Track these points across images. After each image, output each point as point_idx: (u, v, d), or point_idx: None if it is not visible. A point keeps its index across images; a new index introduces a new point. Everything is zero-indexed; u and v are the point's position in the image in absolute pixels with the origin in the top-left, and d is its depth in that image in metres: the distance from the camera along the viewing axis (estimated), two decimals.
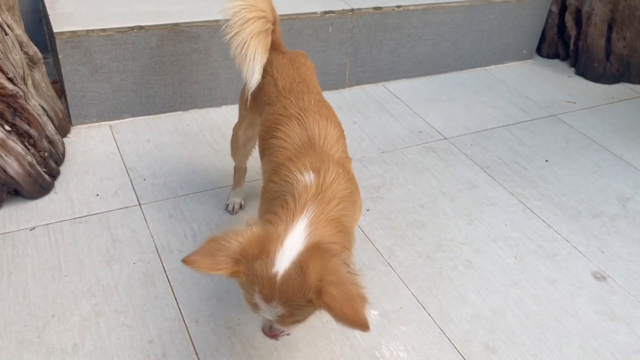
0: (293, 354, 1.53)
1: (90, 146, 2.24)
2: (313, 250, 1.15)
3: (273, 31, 1.69)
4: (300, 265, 1.12)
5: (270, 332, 1.26)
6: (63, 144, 2.15)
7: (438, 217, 2.08)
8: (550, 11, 3.30)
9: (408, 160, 2.37)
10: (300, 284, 1.11)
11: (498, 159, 2.45)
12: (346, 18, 2.64)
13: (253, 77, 1.59)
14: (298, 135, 1.42)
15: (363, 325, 1.06)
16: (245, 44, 1.58)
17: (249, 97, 1.64)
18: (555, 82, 3.20)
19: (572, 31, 3.30)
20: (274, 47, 1.70)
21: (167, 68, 2.38)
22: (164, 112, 2.48)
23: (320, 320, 1.62)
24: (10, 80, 1.81)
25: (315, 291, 1.09)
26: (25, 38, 2.00)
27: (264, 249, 1.14)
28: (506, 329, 1.67)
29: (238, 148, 1.88)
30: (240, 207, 1.99)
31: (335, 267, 1.12)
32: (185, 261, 1.13)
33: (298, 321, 1.19)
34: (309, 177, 1.31)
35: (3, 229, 1.81)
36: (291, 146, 1.41)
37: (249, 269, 1.13)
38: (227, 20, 1.58)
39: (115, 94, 2.35)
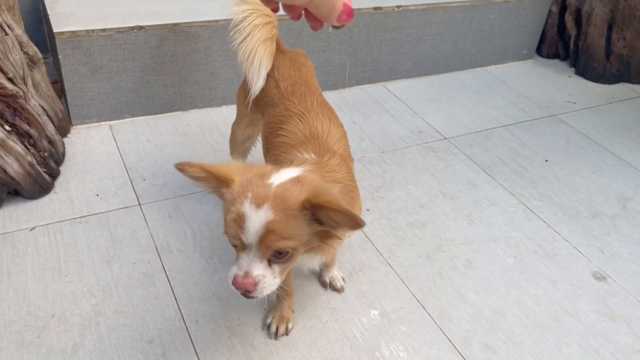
0: (293, 354, 1.53)
1: (90, 146, 2.24)
2: (311, 175, 1.17)
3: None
4: (297, 179, 1.12)
5: (244, 279, 1.11)
6: (63, 144, 2.15)
7: (438, 217, 2.07)
8: (550, 11, 3.30)
9: (408, 160, 2.37)
10: (296, 191, 1.09)
11: (498, 159, 2.45)
12: None
13: (257, 83, 1.59)
14: (301, 130, 1.43)
15: (358, 221, 1.03)
16: (252, 51, 1.58)
17: (251, 101, 1.64)
18: (555, 82, 3.20)
19: (572, 31, 3.30)
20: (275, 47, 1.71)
21: (167, 68, 2.38)
22: (164, 112, 2.48)
23: (320, 320, 1.62)
24: (10, 80, 1.81)
25: (311, 194, 1.09)
26: (25, 38, 1.99)
27: (260, 172, 1.15)
28: (506, 329, 1.67)
29: (237, 146, 1.88)
30: None
31: (332, 190, 1.12)
32: (177, 164, 1.14)
33: (285, 239, 1.09)
34: (309, 156, 1.33)
35: (3, 229, 1.81)
36: (294, 141, 1.42)
37: (243, 180, 1.12)
38: (235, 24, 1.58)
39: (115, 94, 2.35)
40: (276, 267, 1.14)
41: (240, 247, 1.12)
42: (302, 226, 1.10)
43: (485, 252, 1.94)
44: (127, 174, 2.11)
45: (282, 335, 1.56)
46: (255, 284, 1.11)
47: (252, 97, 1.63)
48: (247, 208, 1.08)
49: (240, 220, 1.08)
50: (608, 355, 1.62)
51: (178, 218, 1.93)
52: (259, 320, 1.60)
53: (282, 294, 1.55)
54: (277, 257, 1.12)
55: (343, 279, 1.73)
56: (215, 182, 1.15)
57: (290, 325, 1.57)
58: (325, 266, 1.69)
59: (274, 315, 1.57)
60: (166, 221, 1.91)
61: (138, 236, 1.84)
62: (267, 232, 1.08)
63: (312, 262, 1.40)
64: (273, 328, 1.56)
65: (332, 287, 1.71)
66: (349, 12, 0.75)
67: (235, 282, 1.11)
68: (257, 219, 1.07)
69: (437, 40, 2.98)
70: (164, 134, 2.36)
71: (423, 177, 2.27)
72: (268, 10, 1.61)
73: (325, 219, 1.09)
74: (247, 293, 1.12)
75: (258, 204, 1.07)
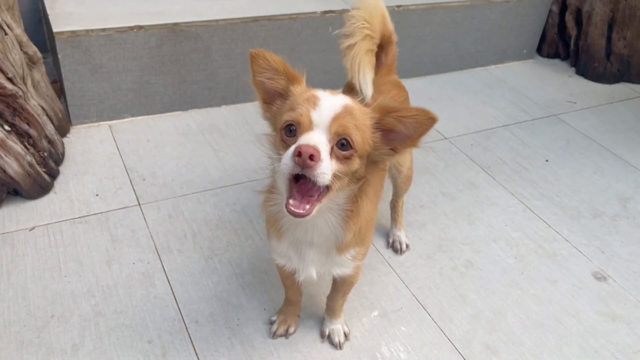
0: (293, 354, 1.53)
1: (89, 146, 2.23)
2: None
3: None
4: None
5: (308, 146, 1.02)
6: (62, 144, 2.14)
7: (438, 217, 2.07)
8: (550, 11, 3.30)
9: None
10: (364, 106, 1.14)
11: (498, 159, 2.44)
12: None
13: (367, 90, 1.56)
14: None
15: (431, 114, 1.08)
16: (359, 60, 1.61)
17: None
18: (556, 82, 3.19)
19: (572, 31, 3.30)
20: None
21: (166, 68, 2.37)
22: (164, 112, 2.48)
23: (320, 320, 1.62)
24: (10, 80, 1.80)
25: (380, 104, 1.14)
26: (24, 38, 1.99)
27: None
28: (507, 330, 1.67)
29: None
30: None
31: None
32: (252, 51, 1.15)
33: (356, 126, 1.07)
34: None
35: (2, 229, 1.81)
36: None
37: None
38: (346, 32, 1.62)
39: (115, 94, 2.34)
40: (333, 163, 1.07)
41: (305, 126, 1.06)
42: (370, 128, 1.11)
43: (485, 252, 1.94)
44: (127, 174, 2.10)
45: (280, 336, 1.56)
46: (320, 155, 1.02)
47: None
48: (323, 93, 1.11)
49: (314, 100, 1.08)
50: (608, 356, 1.62)
51: (178, 218, 1.92)
52: (259, 321, 1.60)
53: (290, 298, 1.56)
54: (340, 147, 1.07)
55: (346, 335, 1.58)
56: (286, 77, 1.15)
57: (291, 330, 1.57)
58: (331, 312, 1.56)
59: (279, 316, 1.58)
60: (166, 221, 1.91)
61: (138, 236, 1.84)
62: (343, 113, 1.07)
63: (340, 267, 1.33)
64: (273, 327, 1.56)
65: (330, 341, 1.57)
66: None
67: (300, 148, 1.01)
68: (333, 100, 1.09)
69: (437, 40, 2.97)
70: (164, 134, 2.35)
71: (423, 177, 2.27)
72: (373, 24, 1.64)
73: (393, 124, 1.10)
74: (307, 165, 1.01)
75: (333, 94, 1.12)
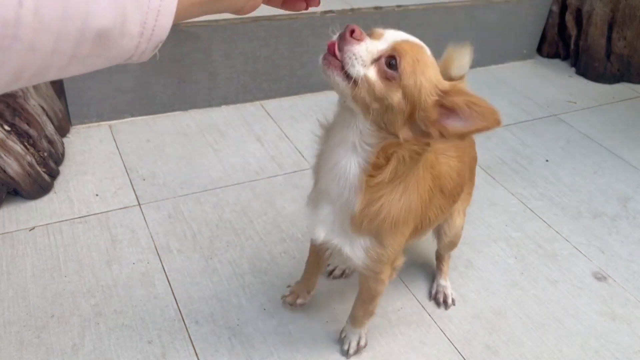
0: (293, 354, 1.53)
1: (89, 146, 2.23)
2: None
3: None
4: None
5: (351, 32, 0.97)
6: (62, 144, 2.14)
7: None
8: (550, 11, 3.30)
9: None
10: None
11: (498, 159, 2.44)
12: (346, 18, 2.63)
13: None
14: None
15: (496, 116, 0.99)
16: None
17: None
18: (556, 82, 3.19)
19: (572, 31, 3.30)
20: None
21: (166, 68, 2.37)
22: (164, 112, 2.48)
23: (320, 320, 1.62)
24: None
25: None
26: None
27: None
28: (507, 330, 1.67)
29: None
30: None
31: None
32: None
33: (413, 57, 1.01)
34: None
35: (2, 229, 1.81)
36: None
37: None
38: None
39: (115, 94, 2.34)
40: (373, 73, 0.99)
41: (374, 34, 1.02)
42: (432, 85, 1.02)
43: (485, 253, 1.94)
44: (127, 174, 2.10)
45: (289, 305, 1.60)
46: (361, 37, 0.97)
47: None
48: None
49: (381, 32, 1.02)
50: (609, 356, 1.62)
51: (178, 218, 1.92)
52: (259, 321, 1.60)
53: (307, 267, 1.57)
54: (387, 64, 0.99)
55: (359, 347, 1.52)
56: None
57: (299, 301, 1.59)
58: (351, 318, 1.50)
59: (292, 287, 1.62)
60: (166, 221, 1.91)
61: (137, 236, 1.84)
62: (413, 45, 1.04)
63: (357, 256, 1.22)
64: (285, 292, 1.62)
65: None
66: None
67: (343, 33, 0.96)
68: (413, 38, 1.05)
69: (437, 40, 2.96)
70: (164, 134, 2.35)
71: None
72: None
73: (459, 105, 1.00)
74: (343, 37, 0.96)
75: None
